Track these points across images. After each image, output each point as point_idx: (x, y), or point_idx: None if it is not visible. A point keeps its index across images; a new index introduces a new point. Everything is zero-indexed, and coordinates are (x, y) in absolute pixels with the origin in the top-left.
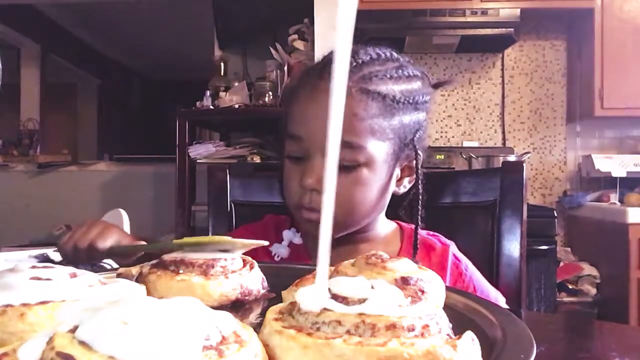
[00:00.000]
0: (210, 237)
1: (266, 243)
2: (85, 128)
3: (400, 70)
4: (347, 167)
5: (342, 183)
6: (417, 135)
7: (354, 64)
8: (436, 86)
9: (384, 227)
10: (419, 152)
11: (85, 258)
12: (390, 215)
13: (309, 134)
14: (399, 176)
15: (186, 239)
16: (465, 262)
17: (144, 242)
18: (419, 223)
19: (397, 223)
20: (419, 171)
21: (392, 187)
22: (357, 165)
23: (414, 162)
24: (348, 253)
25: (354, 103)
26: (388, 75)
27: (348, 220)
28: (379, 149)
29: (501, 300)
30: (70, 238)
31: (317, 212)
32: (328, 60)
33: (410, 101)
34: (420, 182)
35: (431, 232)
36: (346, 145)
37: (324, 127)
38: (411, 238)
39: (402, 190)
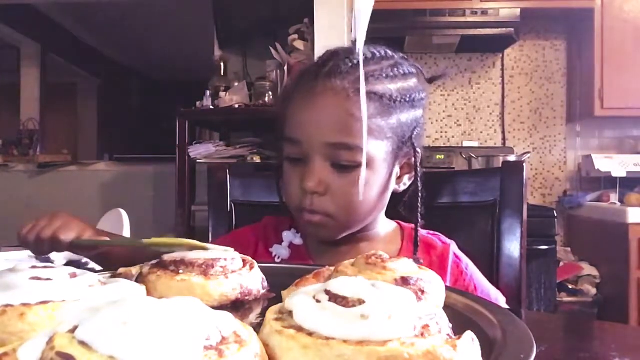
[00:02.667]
0: (179, 239)
1: (231, 250)
2: (85, 128)
3: (395, 69)
4: (346, 168)
5: (342, 184)
6: (415, 133)
7: (350, 64)
8: (431, 80)
9: (385, 226)
10: (418, 149)
11: (47, 249)
12: (391, 213)
13: (307, 137)
14: (399, 174)
15: (155, 239)
16: (466, 261)
17: (106, 238)
18: (419, 220)
19: (397, 223)
20: (418, 168)
21: (393, 186)
22: (356, 166)
23: (413, 159)
24: (348, 252)
25: (351, 104)
26: (384, 75)
27: (350, 220)
28: (378, 149)
29: (501, 300)
30: (33, 228)
31: (319, 214)
32: (322, 62)
33: (407, 99)
34: (419, 179)
35: (432, 232)
36: (344, 146)
37: (322, 130)
38: (412, 237)
39: (402, 187)
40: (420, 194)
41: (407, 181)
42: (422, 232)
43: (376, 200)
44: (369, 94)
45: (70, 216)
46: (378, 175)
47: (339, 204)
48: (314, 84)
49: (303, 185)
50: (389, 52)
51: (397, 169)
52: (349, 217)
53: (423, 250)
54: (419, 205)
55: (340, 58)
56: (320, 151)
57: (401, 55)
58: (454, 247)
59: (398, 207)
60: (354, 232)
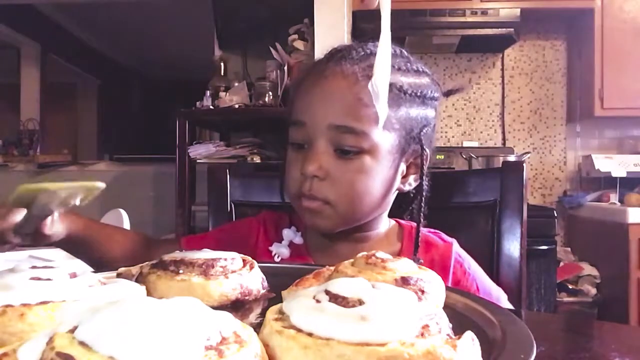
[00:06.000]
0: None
1: (102, 185)
2: (85, 128)
3: (409, 64)
4: (349, 154)
5: (345, 170)
6: (424, 131)
7: (362, 53)
8: (448, 94)
9: (385, 226)
10: (425, 148)
11: (14, 237)
12: (396, 216)
13: (311, 118)
14: (404, 173)
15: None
16: (468, 260)
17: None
18: (422, 220)
19: (397, 221)
20: (425, 167)
21: (397, 183)
22: (360, 152)
23: (420, 159)
24: (348, 252)
25: (359, 89)
26: (396, 67)
27: (350, 210)
28: (383, 138)
29: (503, 298)
30: None
31: (318, 200)
32: (336, 50)
33: (418, 94)
34: (425, 178)
35: (432, 230)
36: (349, 130)
37: (327, 112)
38: (412, 236)
39: (407, 187)
40: (424, 195)
41: (412, 181)
42: (423, 230)
43: (379, 194)
44: None
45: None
46: (381, 166)
47: (338, 190)
48: (324, 68)
49: (303, 169)
50: (405, 53)
51: (403, 167)
52: (348, 206)
53: (424, 249)
54: (422, 205)
55: (354, 47)
56: (324, 134)
57: (422, 65)
58: (455, 246)
59: (404, 215)
60: (355, 230)
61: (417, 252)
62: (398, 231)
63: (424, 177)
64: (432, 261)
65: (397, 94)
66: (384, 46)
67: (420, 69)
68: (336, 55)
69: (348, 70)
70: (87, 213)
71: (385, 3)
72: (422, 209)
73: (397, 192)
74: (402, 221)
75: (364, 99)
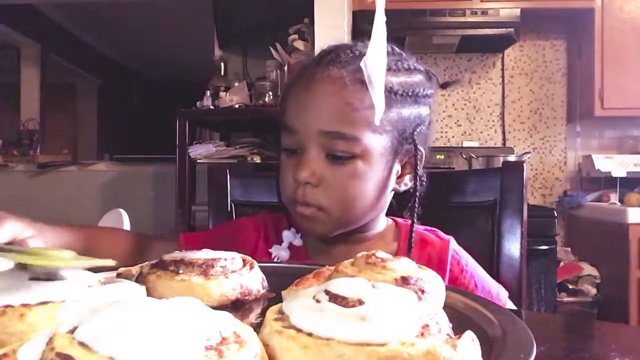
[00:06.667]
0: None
1: (113, 263)
2: (85, 128)
3: (399, 63)
4: (341, 159)
5: (337, 176)
6: (418, 130)
7: (351, 55)
8: (444, 86)
9: (383, 226)
10: (419, 147)
11: None
12: (392, 215)
13: (302, 125)
14: (399, 173)
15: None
16: (466, 257)
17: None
18: (415, 220)
19: (394, 219)
20: (418, 167)
21: (392, 184)
22: (352, 157)
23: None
24: (346, 253)
25: (348, 93)
26: (386, 67)
27: (344, 215)
28: (375, 142)
29: (502, 294)
30: None
31: (312, 207)
32: (325, 52)
33: (410, 94)
34: (418, 178)
35: (429, 228)
36: (340, 136)
37: (317, 118)
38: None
39: (403, 187)
40: (417, 194)
41: (408, 181)
42: (419, 228)
43: (373, 197)
44: None
45: (5, 214)
46: (374, 169)
47: (332, 196)
48: (313, 72)
49: (296, 176)
50: (397, 50)
51: (397, 167)
52: (342, 212)
53: (420, 247)
54: (416, 205)
55: (342, 49)
56: (315, 140)
57: (409, 55)
58: (453, 244)
59: (403, 214)
60: (353, 232)
61: (412, 251)
62: (395, 230)
63: (417, 177)
64: (429, 259)
65: (388, 96)
66: (379, 33)
67: (412, 66)
68: (325, 58)
69: (336, 75)
70: (88, 213)
71: None
72: (416, 209)
73: (393, 192)
74: (399, 220)
75: (353, 103)
